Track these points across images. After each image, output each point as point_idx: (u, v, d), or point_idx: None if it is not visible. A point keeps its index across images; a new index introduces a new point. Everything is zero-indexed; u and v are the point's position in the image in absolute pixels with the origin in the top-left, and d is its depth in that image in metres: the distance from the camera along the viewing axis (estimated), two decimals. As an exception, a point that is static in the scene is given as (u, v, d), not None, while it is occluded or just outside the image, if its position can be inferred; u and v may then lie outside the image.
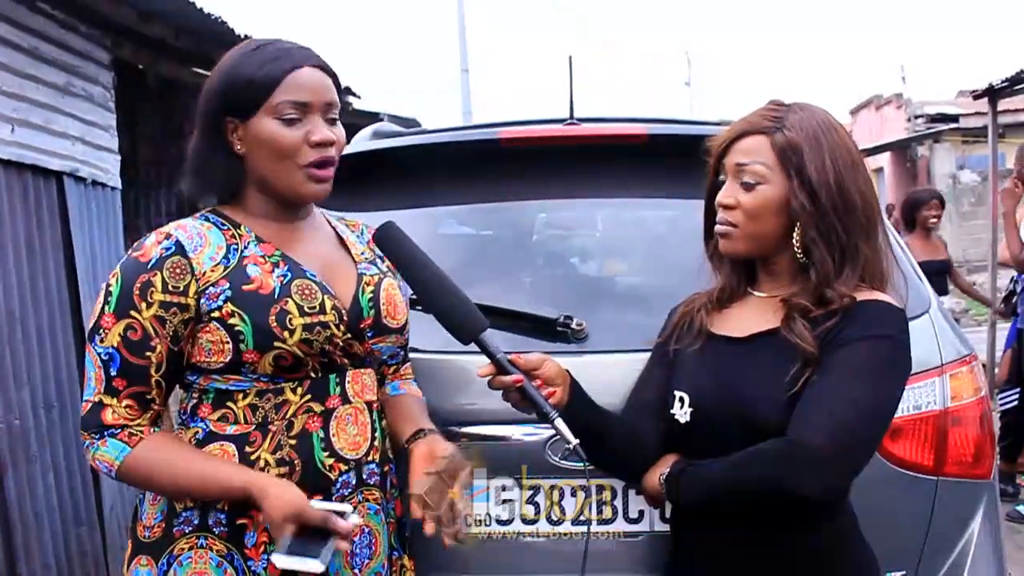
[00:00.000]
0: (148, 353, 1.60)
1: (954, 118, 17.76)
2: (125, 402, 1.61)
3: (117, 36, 4.63)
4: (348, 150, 2.56)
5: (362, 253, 1.82)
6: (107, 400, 1.61)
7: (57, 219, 4.04)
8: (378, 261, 1.83)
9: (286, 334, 1.60)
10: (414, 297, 1.80)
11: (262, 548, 1.63)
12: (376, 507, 1.74)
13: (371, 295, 1.74)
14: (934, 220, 6.38)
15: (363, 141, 2.65)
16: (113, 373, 1.60)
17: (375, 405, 1.77)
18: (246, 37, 4.88)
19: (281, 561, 1.49)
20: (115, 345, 1.60)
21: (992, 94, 7.70)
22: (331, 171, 1.69)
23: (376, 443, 1.75)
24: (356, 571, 1.71)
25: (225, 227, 1.69)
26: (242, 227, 1.70)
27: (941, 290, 6.23)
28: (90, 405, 1.62)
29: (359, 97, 7.20)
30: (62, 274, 4.05)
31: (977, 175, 17.76)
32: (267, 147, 1.65)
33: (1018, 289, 5.61)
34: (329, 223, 1.85)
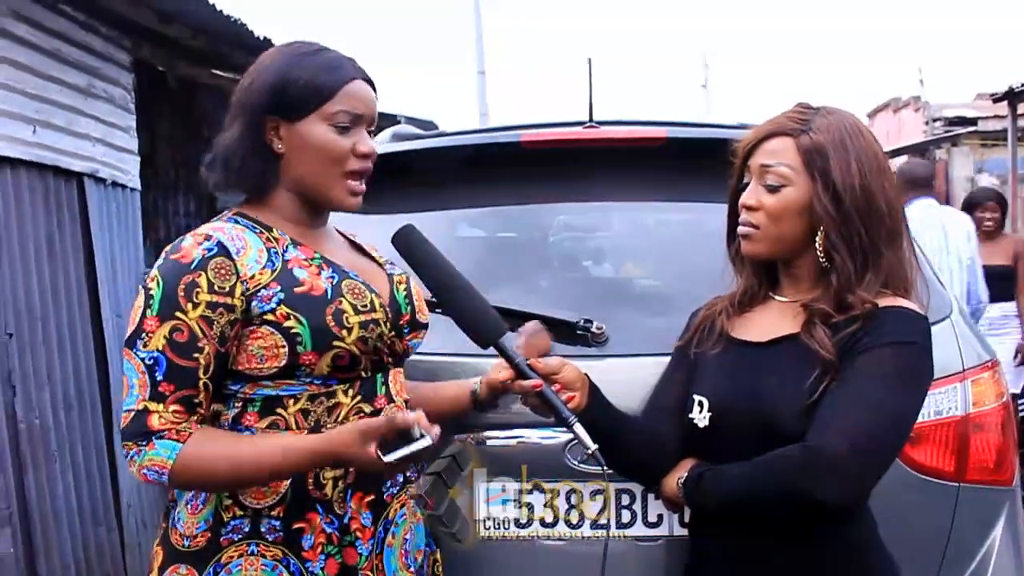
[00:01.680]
0: (196, 355, 1.55)
1: (972, 121, 17.63)
2: (172, 407, 1.54)
3: (137, 37, 4.66)
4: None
5: (380, 256, 1.84)
6: (152, 406, 1.54)
7: (77, 220, 4.07)
8: (396, 262, 1.84)
9: (344, 332, 1.60)
10: (432, 300, 1.80)
11: (319, 549, 1.62)
12: (414, 501, 1.77)
13: (405, 292, 1.77)
14: (989, 223, 6.01)
15: (383, 144, 2.65)
16: (159, 377, 1.54)
17: (409, 403, 1.77)
18: (264, 39, 4.93)
19: (391, 457, 1.51)
20: (160, 348, 1.54)
21: (1012, 97, 7.67)
22: (364, 184, 1.71)
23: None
24: (411, 569, 1.73)
25: (258, 230, 1.67)
26: (275, 230, 1.68)
27: (1002, 295, 5.86)
28: (132, 414, 1.55)
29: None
30: (82, 274, 4.08)
31: (995, 178, 17.61)
32: (315, 152, 1.65)
33: None
34: (337, 230, 1.85)
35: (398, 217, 2.36)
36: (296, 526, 1.62)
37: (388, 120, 7.13)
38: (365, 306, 1.64)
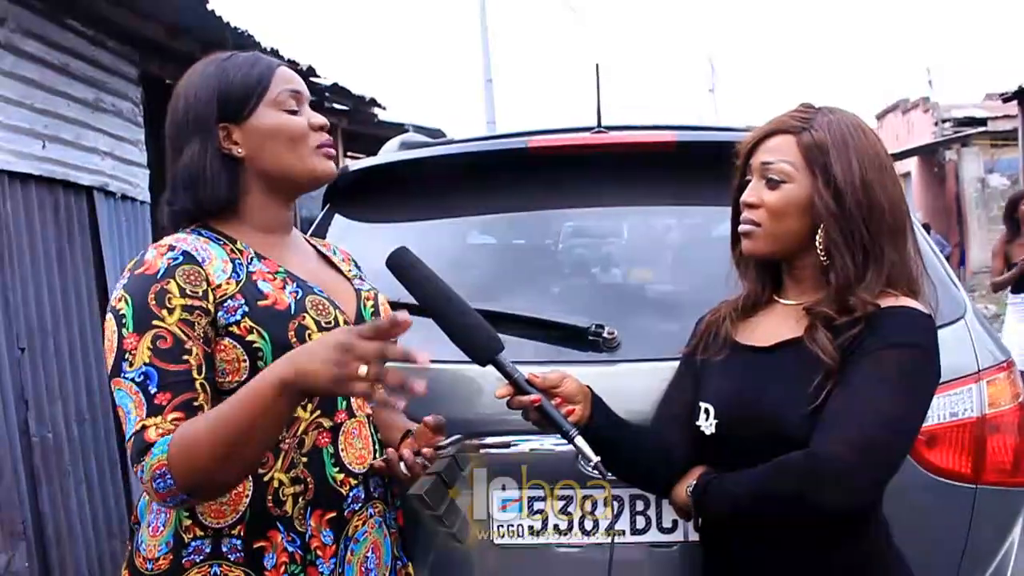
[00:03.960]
0: (185, 356, 1.48)
1: (982, 121, 17.59)
2: (172, 415, 1.46)
3: (145, 51, 4.68)
4: (376, 161, 2.57)
5: (350, 270, 1.83)
6: (150, 422, 1.45)
7: (87, 233, 4.09)
8: (363, 277, 1.84)
9: None
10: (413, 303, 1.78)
11: (283, 568, 1.58)
12: (380, 519, 1.73)
13: (372, 309, 1.75)
14: None
15: (391, 152, 2.65)
16: (153, 390, 1.46)
17: (371, 417, 1.75)
18: (273, 50, 4.95)
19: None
20: (147, 361, 1.47)
21: (1022, 96, 7.64)
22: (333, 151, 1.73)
23: (378, 455, 1.73)
24: None
25: (222, 242, 1.64)
26: (239, 242, 1.66)
27: None
28: (133, 439, 1.46)
29: (384, 108, 7.24)
30: (93, 288, 4.09)
31: (1006, 179, 17.55)
32: (278, 136, 1.65)
33: None
34: (307, 240, 1.84)
35: (406, 225, 2.38)
36: (257, 545, 1.58)
37: (396, 129, 7.17)
38: (329, 323, 1.62)
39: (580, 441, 1.61)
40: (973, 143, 17.81)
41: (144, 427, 1.45)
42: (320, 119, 1.70)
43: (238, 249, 1.63)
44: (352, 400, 1.69)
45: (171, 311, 1.49)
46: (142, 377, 1.47)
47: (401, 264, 1.70)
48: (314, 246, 1.84)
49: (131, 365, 1.47)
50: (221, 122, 1.65)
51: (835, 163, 1.64)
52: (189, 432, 1.43)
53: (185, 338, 1.49)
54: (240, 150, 1.66)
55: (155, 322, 1.49)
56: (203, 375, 1.51)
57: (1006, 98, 8.25)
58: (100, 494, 3.97)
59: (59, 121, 3.90)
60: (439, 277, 1.68)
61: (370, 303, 1.75)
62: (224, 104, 1.65)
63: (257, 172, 1.67)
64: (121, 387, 1.48)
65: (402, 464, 1.66)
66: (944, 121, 18.81)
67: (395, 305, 1.81)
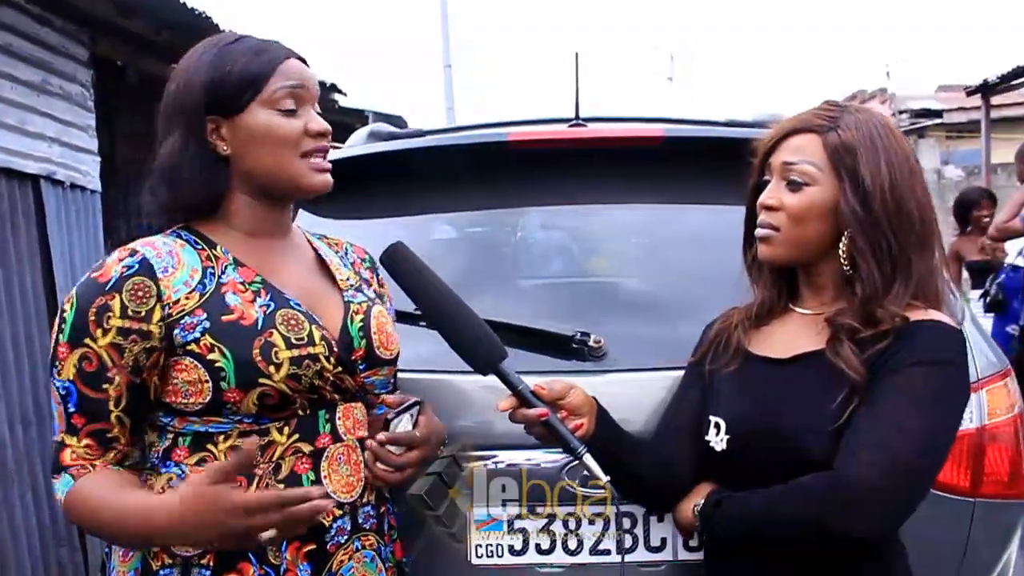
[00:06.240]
0: (105, 385, 1.45)
1: (938, 113, 17.77)
2: (84, 441, 1.46)
3: (95, 31, 4.49)
4: (345, 153, 2.43)
5: (347, 279, 1.69)
6: (68, 440, 1.47)
7: (33, 224, 3.92)
8: (364, 287, 1.71)
9: (271, 369, 1.46)
10: (418, 312, 1.66)
11: None
12: (372, 553, 1.61)
13: (361, 324, 1.61)
14: (987, 219, 6.24)
15: (360, 144, 2.52)
16: (72, 409, 1.46)
17: (367, 442, 1.62)
18: (229, 32, 4.76)
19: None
20: (71, 378, 1.45)
21: (986, 90, 7.71)
22: (329, 163, 1.59)
23: (370, 483, 1.61)
24: None
25: (200, 246, 1.55)
26: (219, 247, 1.55)
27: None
28: (55, 445, 1.49)
29: (344, 94, 7.07)
30: (39, 281, 3.92)
31: (961, 170, 17.77)
32: (265, 139, 1.53)
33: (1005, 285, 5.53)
34: (310, 243, 1.72)
35: (376, 221, 2.25)
36: None
37: (357, 115, 7.00)
38: (301, 339, 1.50)
39: (589, 459, 1.52)
40: (929, 134, 17.99)
41: (64, 443, 1.48)
42: (319, 125, 1.56)
43: (215, 255, 1.54)
44: (338, 422, 1.57)
45: (106, 332, 1.45)
46: (65, 391, 1.47)
47: (397, 261, 1.58)
48: (316, 249, 1.71)
49: (59, 373, 1.47)
50: (210, 115, 1.53)
51: (864, 166, 1.54)
52: (92, 495, 1.44)
53: (110, 364, 1.45)
54: (226, 147, 1.55)
55: (87, 340, 1.45)
56: (120, 407, 1.47)
57: (970, 91, 8.33)
58: (47, 500, 3.80)
59: (2, 105, 3.72)
60: (437, 277, 1.56)
61: (359, 317, 1.61)
62: (215, 96, 1.53)
63: (241, 173, 1.56)
64: (52, 389, 1.49)
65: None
66: (901, 112, 18.97)
67: (402, 316, 1.72)
